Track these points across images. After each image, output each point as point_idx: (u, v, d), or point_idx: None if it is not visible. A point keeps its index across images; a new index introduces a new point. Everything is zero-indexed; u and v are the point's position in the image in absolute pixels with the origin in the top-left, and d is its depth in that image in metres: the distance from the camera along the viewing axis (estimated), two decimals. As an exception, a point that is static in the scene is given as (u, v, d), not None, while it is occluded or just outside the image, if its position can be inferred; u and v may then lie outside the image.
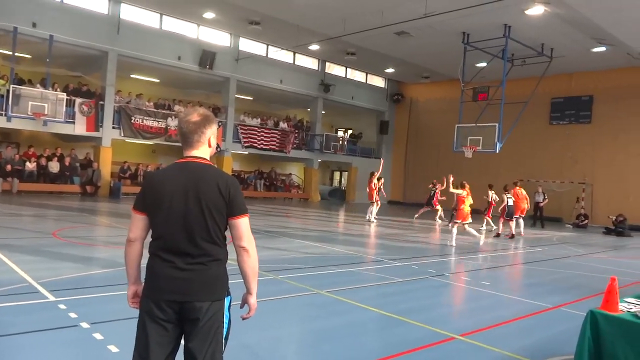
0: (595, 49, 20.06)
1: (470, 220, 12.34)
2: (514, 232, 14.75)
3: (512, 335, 5.18)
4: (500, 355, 4.42)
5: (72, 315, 4.67)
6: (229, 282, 2.48)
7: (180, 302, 2.33)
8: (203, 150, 2.49)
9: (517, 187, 15.61)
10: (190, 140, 2.46)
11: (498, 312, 6.08)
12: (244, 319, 2.52)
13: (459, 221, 12.19)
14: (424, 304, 6.31)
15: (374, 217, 16.57)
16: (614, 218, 18.92)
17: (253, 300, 2.49)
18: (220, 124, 23.48)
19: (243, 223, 2.41)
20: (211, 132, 2.51)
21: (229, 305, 2.50)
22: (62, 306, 4.94)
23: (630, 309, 3.50)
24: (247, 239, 2.41)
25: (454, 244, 11.70)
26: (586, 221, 21.75)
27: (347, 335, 4.81)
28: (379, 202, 16.85)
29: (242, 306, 2.53)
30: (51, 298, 5.23)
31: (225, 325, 2.47)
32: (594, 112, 24.05)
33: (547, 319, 5.92)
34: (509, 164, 24.99)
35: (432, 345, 4.60)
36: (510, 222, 14.70)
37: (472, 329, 5.11)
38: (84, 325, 4.41)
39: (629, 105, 22.73)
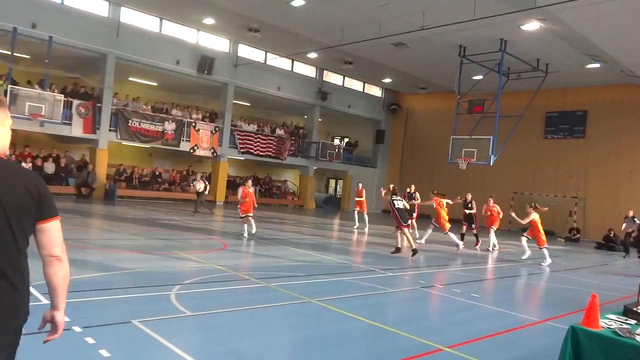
0: (590, 66, 20.33)
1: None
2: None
3: (498, 347, 5.26)
4: (485, 368, 4.51)
5: (65, 318, 4.71)
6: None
7: None
8: None
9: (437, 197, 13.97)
10: None
11: (485, 324, 6.17)
12: (45, 342, 2.09)
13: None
14: (412, 315, 6.39)
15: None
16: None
17: (61, 317, 2.09)
18: (216, 129, 23.59)
19: (55, 227, 2.03)
20: None
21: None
22: (54, 309, 4.97)
23: (611, 325, 3.60)
24: (62, 246, 2.04)
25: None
26: (578, 235, 21.93)
27: (336, 345, 4.88)
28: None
29: (41, 326, 2.08)
30: (44, 301, 5.27)
31: None
32: (587, 127, 24.32)
33: (532, 332, 6.02)
34: (502, 176, 25.23)
35: (419, 356, 4.67)
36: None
37: (459, 341, 5.19)
38: (76, 329, 4.47)
39: (621, 121, 23.03)
